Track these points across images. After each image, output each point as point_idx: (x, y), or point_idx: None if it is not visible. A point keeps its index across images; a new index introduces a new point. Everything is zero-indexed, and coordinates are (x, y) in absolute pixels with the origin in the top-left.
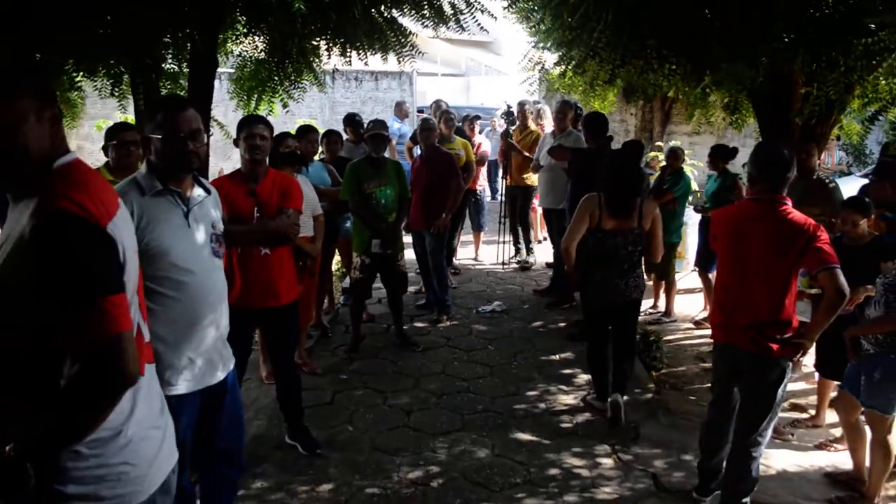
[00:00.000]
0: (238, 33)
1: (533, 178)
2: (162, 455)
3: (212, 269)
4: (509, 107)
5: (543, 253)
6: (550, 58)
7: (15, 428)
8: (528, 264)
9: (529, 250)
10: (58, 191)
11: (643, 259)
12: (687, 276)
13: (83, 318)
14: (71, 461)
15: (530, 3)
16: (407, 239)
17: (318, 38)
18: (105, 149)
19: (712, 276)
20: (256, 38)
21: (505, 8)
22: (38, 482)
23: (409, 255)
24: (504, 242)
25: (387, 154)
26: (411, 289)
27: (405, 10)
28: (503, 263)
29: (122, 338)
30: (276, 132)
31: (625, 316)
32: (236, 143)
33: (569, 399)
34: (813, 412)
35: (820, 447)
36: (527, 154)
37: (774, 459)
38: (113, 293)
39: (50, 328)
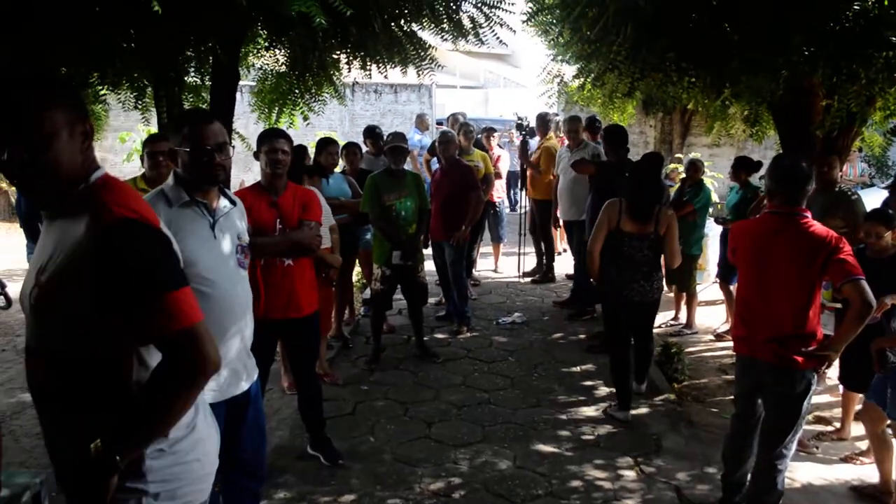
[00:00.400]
0: (259, 47)
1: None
2: (216, 455)
3: (237, 280)
4: (520, 119)
5: (563, 264)
6: (569, 70)
7: (84, 436)
8: (540, 276)
9: (549, 265)
10: (109, 202)
11: (665, 272)
12: (708, 287)
13: (160, 314)
14: (152, 459)
15: (549, 17)
16: (427, 251)
17: (338, 52)
18: (141, 158)
19: (734, 288)
20: (277, 52)
21: (524, 22)
22: (122, 481)
23: (430, 266)
24: (524, 254)
25: (408, 166)
26: (431, 300)
27: (424, 24)
28: (523, 275)
29: (200, 326)
30: (295, 144)
31: (645, 317)
32: (257, 155)
33: (590, 411)
34: (838, 425)
35: (845, 460)
36: (541, 167)
37: (799, 472)
38: (183, 286)
39: (113, 336)
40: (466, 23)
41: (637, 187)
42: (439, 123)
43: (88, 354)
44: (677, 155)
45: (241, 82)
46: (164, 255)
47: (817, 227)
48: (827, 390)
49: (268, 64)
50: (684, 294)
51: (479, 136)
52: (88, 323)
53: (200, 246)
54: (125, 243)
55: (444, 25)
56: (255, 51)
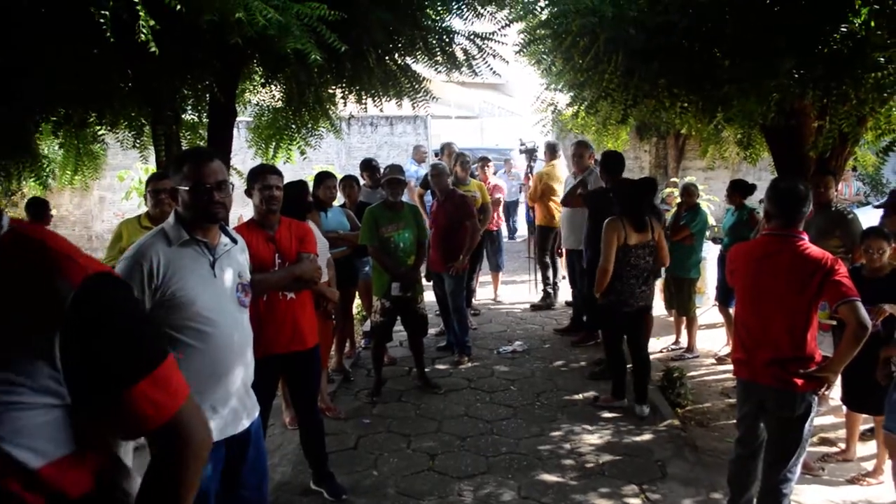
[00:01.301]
0: (256, 84)
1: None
2: None
3: (237, 319)
4: (524, 144)
5: (564, 292)
6: (563, 99)
7: None
8: (538, 301)
9: (546, 291)
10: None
11: (664, 296)
12: (708, 311)
13: (140, 404)
14: None
15: (541, 47)
16: (426, 281)
17: (333, 87)
18: (144, 197)
19: (733, 310)
20: (274, 88)
21: (516, 52)
22: None
23: (429, 297)
24: (532, 281)
25: (405, 197)
26: (432, 331)
27: (418, 58)
28: (531, 307)
29: (189, 403)
30: (294, 178)
31: (643, 322)
32: (248, 193)
33: (594, 438)
34: (843, 446)
35: (852, 481)
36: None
37: (805, 495)
38: (167, 357)
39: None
40: (460, 55)
41: (633, 198)
42: (437, 154)
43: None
44: (673, 179)
45: (238, 118)
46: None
47: (813, 249)
48: (830, 411)
49: (264, 100)
50: (684, 318)
51: (475, 165)
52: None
53: (200, 284)
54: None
55: (438, 58)
56: (252, 87)
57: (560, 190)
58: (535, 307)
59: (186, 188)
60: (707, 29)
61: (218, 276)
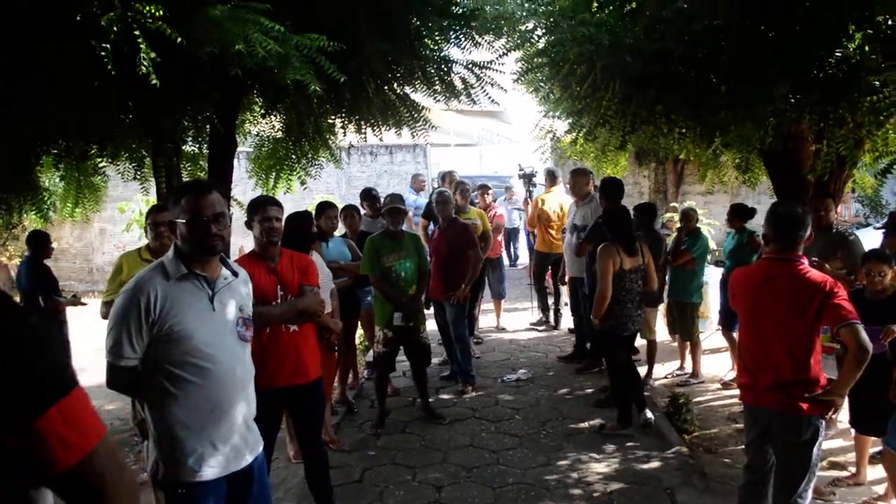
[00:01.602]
0: (256, 114)
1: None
2: None
3: (237, 354)
4: (522, 169)
5: (566, 319)
6: (561, 126)
7: None
8: (537, 322)
9: (545, 314)
10: None
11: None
12: (711, 335)
13: (48, 441)
14: None
15: (539, 75)
16: (428, 311)
17: (333, 116)
18: (144, 230)
19: (737, 334)
20: (274, 119)
21: (514, 81)
22: None
23: (431, 326)
24: (532, 308)
25: (405, 227)
26: (435, 360)
27: (417, 87)
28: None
29: (104, 443)
30: (295, 209)
31: (631, 342)
32: (248, 224)
33: (601, 467)
34: (853, 469)
35: None
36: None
37: None
38: (75, 386)
39: None
40: (458, 84)
41: (623, 225)
42: (438, 183)
43: None
44: (672, 204)
45: (238, 149)
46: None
47: (812, 272)
48: (839, 434)
49: (264, 130)
50: (688, 342)
51: (475, 193)
52: None
53: (198, 319)
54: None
55: (437, 87)
56: (252, 118)
57: (555, 218)
58: (532, 326)
59: (184, 221)
60: (703, 55)
61: (217, 310)
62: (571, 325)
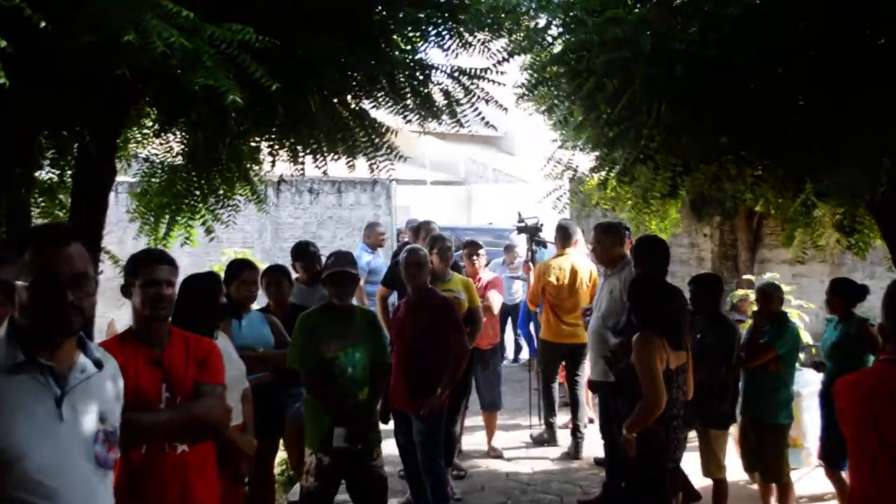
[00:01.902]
0: (147, 131)
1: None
2: None
3: (91, 486)
4: (522, 220)
5: (591, 443)
6: (584, 161)
7: None
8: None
9: (549, 424)
10: None
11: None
12: (809, 473)
13: None
14: None
15: (553, 90)
16: (387, 425)
17: (258, 138)
18: None
19: (845, 473)
20: (172, 138)
21: (519, 97)
22: None
23: (391, 449)
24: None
25: (354, 300)
26: (393, 502)
27: (380, 100)
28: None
29: None
30: (196, 269)
31: (675, 479)
32: (125, 291)
33: None
34: None
35: None
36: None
37: None
38: None
39: None
40: (439, 98)
41: (670, 307)
42: (406, 235)
43: None
44: (746, 276)
45: (117, 179)
46: None
47: None
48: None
49: (157, 154)
50: (774, 485)
51: (458, 254)
52: None
53: (35, 433)
54: None
55: (408, 102)
56: (141, 136)
57: (567, 294)
58: (532, 441)
59: (26, 284)
60: (784, 69)
61: (67, 420)
62: (600, 455)
